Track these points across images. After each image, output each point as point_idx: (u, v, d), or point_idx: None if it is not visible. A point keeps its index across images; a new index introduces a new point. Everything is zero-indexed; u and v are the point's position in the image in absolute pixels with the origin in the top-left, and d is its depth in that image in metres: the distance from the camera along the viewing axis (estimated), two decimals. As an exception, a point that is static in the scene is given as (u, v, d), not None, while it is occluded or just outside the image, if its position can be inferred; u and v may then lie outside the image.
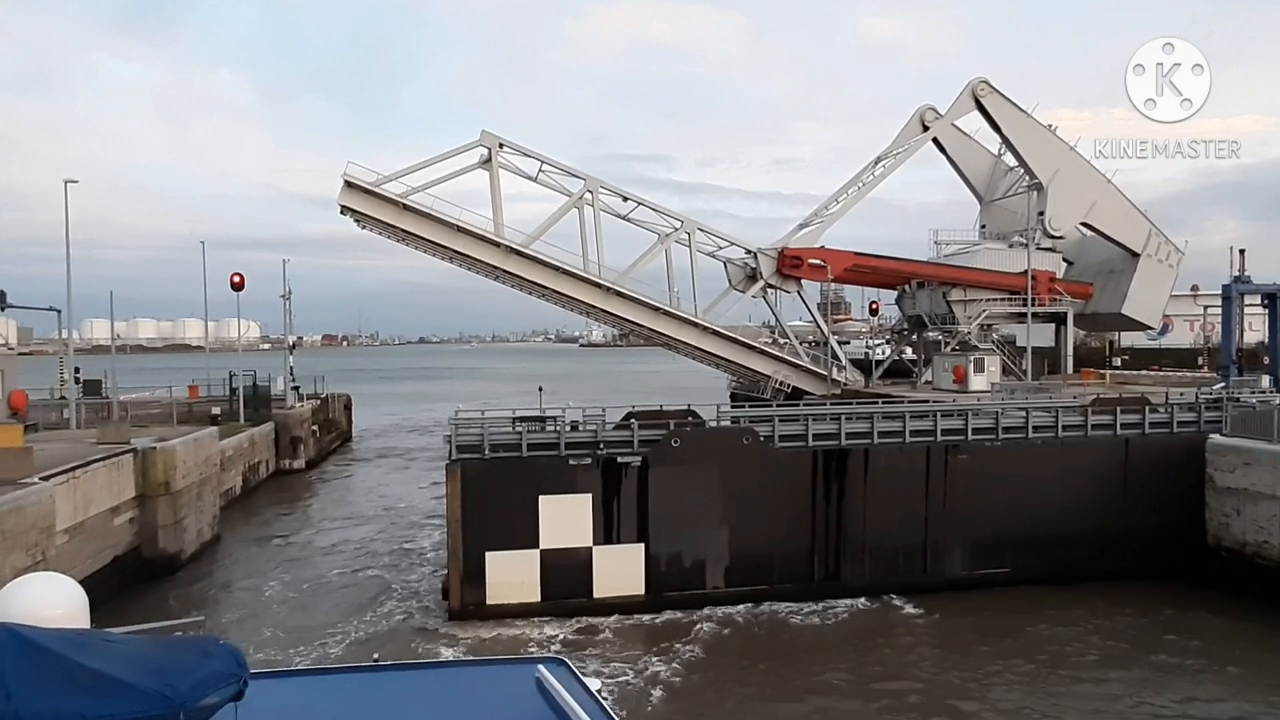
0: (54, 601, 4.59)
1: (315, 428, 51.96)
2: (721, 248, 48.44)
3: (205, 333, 60.99)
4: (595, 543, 23.44)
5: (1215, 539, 25.92)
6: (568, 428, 24.69)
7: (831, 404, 33.50)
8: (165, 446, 28.38)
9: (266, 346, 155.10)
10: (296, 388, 52.91)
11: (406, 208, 41.13)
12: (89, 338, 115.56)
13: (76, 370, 39.76)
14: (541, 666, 5.87)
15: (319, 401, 55.01)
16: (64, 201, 34.82)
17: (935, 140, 51.41)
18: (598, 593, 23.32)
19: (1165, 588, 24.76)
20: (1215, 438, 26.60)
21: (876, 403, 31.77)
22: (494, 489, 23.07)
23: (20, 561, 18.74)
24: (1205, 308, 61.94)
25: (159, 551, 27.62)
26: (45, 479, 21.58)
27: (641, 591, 23.59)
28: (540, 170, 44.55)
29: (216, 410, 41.79)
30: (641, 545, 23.69)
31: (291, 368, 52.80)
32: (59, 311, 38.79)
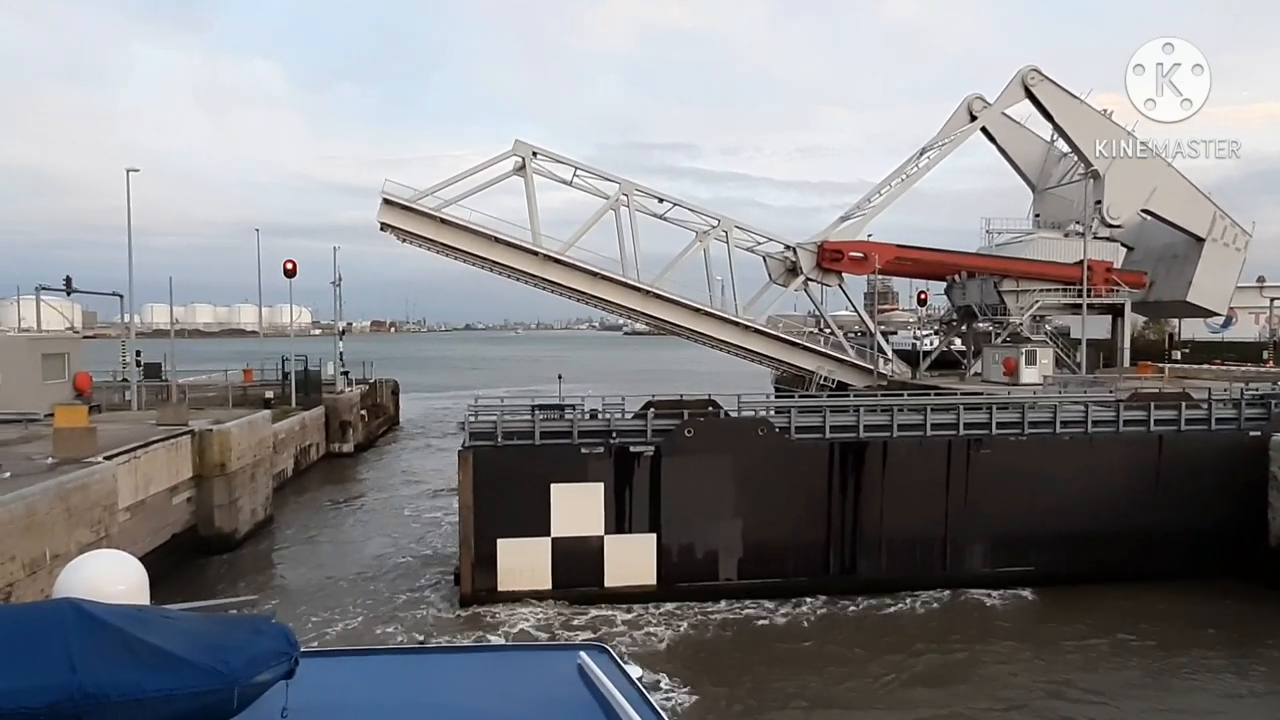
0: (116, 578, 4.76)
1: (364, 412, 52.99)
2: (760, 243, 48.06)
3: (260, 318, 62.58)
4: (607, 532, 23.50)
5: (1278, 539, 25.06)
6: (586, 416, 24.73)
7: (854, 395, 33.10)
8: (221, 429, 29.21)
9: (317, 332, 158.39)
10: (346, 373, 54.02)
11: (444, 222, 41.76)
12: (149, 322, 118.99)
13: (138, 353, 41.05)
14: (583, 653, 5.93)
15: (367, 387, 56.08)
16: (125, 189, 35.74)
17: (984, 130, 50.23)
18: (609, 582, 23.37)
19: (1219, 589, 24.02)
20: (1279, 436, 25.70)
21: (901, 395, 31.30)
22: (506, 476, 23.20)
23: (85, 537, 19.49)
24: (1272, 300, 59.63)
25: (215, 530, 28.51)
26: (108, 458, 22.36)
27: (653, 581, 23.59)
28: (574, 176, 44.81)
29: (269, 394, 42.83)
30: (654, 535, 23.68)
31: (341, 353, 53.89)
32: (121, 296, 40.11)
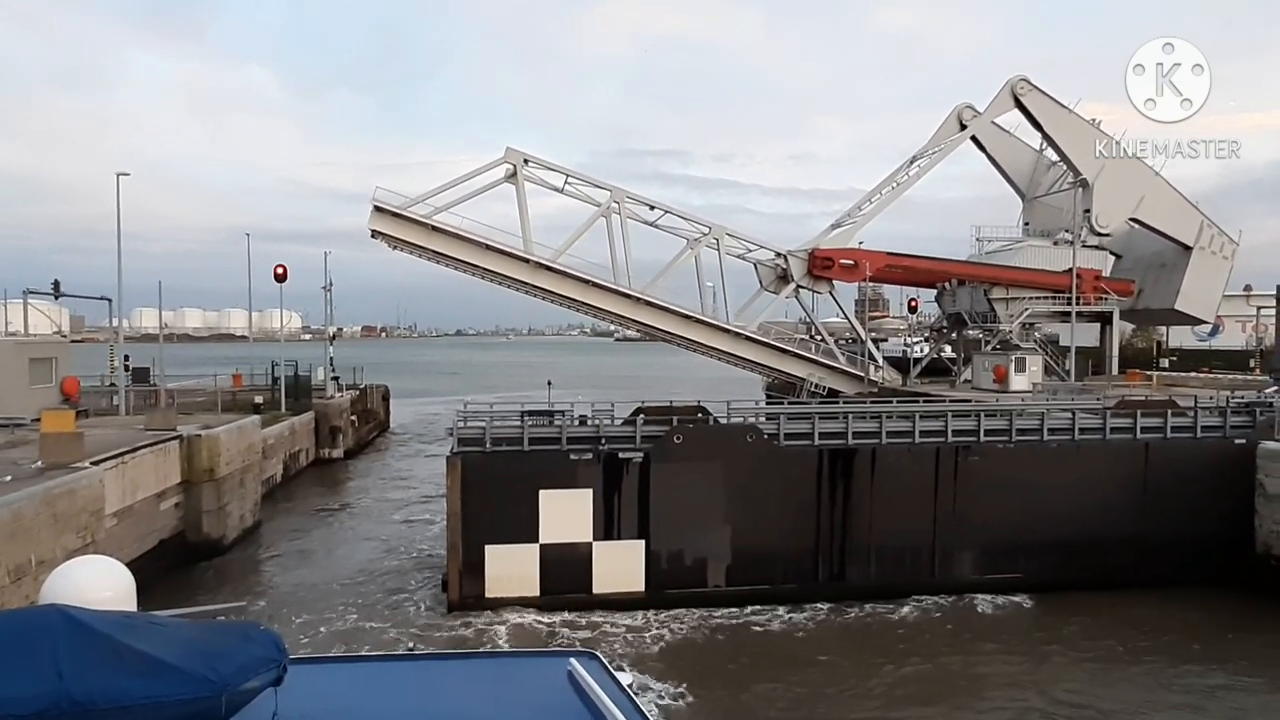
0: (103, 584, 4.75)
1: (354, 418, 52.78)
2: (751, 250, 48.22)
3: (249, 323, 62.42)
4: (595, 538, 23.44)
5: (1265, 547, 25.25)
6: (575, 422, 24.71)
7: (843, 402, 33.27)
8: (210, 434, 29.05)
9: (307, 337, 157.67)
10: (336, 378, 53.82)
11: (435, 229, 41.73)
12: (138, 326, 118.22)
13: (126, 358, 40.80)
14: (574, 659, 5.95)
15: (358, 392, 55.89)
16: (115, 194, 35.62)
17: (974, 138, 50.58)
18: (597, 588, 23.31)
19: (1206, 596, 24.15)
20: (1267, 443, 25.92)
21: (891, 401, 31.38)
22: (494, 482, 23.12)
23: (71, 543, 19.33)
24: (1259, 308, 60.12)
25: (203, 536, 28.32)
26: (95, 464, 22.22)
27: (641, 588, 23.54)
28: (566, 183, 44.90)
29: (259, 399, 42.55)
30: (642, 542, 23.63)
31: (331, 358, 53.71)
32: (110, 301, 39.92)
